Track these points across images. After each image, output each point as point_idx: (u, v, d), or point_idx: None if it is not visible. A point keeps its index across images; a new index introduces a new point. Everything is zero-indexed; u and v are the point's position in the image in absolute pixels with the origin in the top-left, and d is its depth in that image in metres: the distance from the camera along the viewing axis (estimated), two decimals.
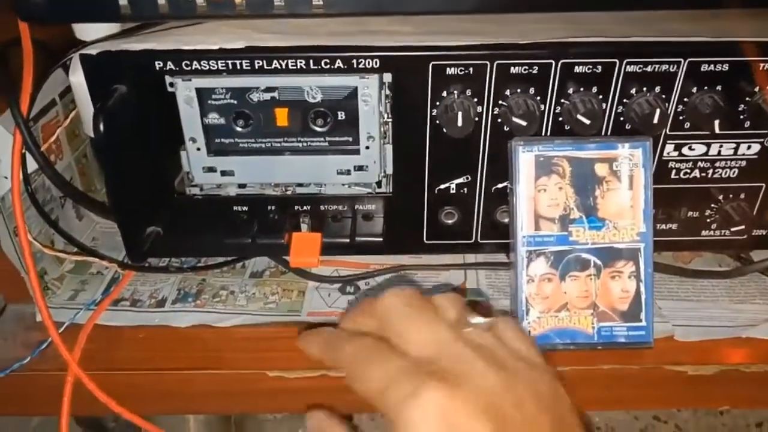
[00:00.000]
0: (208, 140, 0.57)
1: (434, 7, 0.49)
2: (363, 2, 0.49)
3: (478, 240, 0.62)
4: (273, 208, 0.61)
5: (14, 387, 0.58)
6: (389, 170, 0.59)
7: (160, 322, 0.61)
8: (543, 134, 0.55)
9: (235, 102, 0.55)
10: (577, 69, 0.52)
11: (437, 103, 0.54)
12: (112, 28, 0.55)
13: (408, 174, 0.59)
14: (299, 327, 0.57)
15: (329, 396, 0.58)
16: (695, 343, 0.58)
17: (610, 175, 0.54)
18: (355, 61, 0.52)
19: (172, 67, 0.53)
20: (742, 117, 0.55)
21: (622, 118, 0.54)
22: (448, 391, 0.36)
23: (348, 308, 0.56)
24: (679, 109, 0.54)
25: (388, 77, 0.54)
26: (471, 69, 0.52)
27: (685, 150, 0.57)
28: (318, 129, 0.57)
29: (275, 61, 0.52)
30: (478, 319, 0.43)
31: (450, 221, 0.61)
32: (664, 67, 0.52)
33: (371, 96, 0.54)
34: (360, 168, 0.58)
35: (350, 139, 0.57)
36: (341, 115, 0.56)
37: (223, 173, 0.59)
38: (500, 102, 0.54)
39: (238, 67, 0.53)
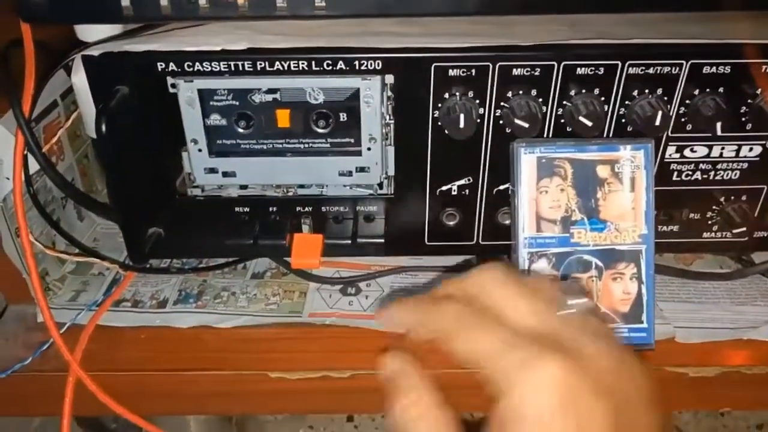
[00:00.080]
0: (209, 141, 0.57)
1: (436, 9, 0.49)
2: (365, 4, 0.49)
3: (480, 242, 0.62)
4: (274, 209, 0.61)
5: (15, 387, 0.58)
6: (391, 172, 0.59)
7: (161, 323, 0.61)
8: (545, 136, 0.55)
9: (237, 103, 0.55)
10: (579, 71, 0.52)
11: (439, 105, 0.54)
12: (114, 29, 0.55)
13: (410, 175, 0.59)
14: (301, 328, 0.58)
15: (330, 397, 0.58)
16: (696, 345, 0.58)
17: (612, 177, 0.54)
18: (357, 62, 0.52)
19: (174, 68, 0.53)
20: (744, 119, 0.55)
21: (624, 120, 0.54)
22: (566, 364, 0.34)
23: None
24: (681, 111, 0.54)
25: (390, 79, 0.54)
26: (473, 71, 0.52)
27: (686, 152, 0.57)
28: (320, 130, 0.57)
29: (277, 63, 0.52)
30: (576, 300, 0.41)
31: (451, 223, 0.61)
32: (666, 69, 0.52)
33: (373, 97, 0.54)
34: (362, 169, 0.58)
35: (352, 140, 0.57)
36: (343, 117, 0.56)
37: (225, 174, 0.59)
38: (502, 104, 0.54)
39: (240, 68, 0.53)
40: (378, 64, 0.52)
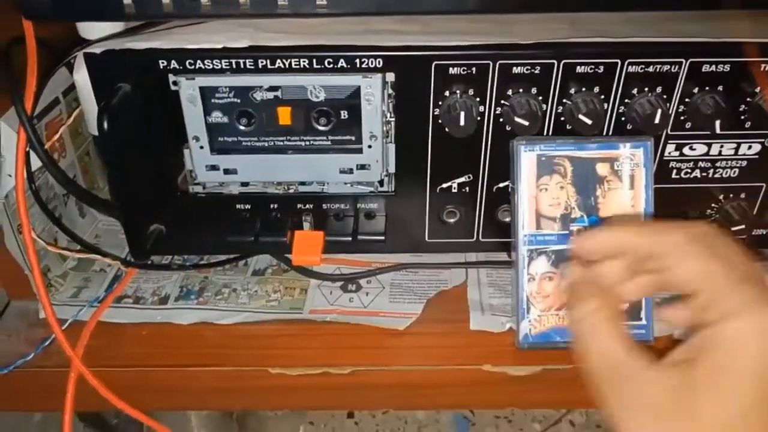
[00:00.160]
0: (211, 139, 0.57)
1: (437, 7, 0.49)
2: (366, 2, 0.49)
3: (480, 239, 0.63)
4: (275, 206, 0.61)
5: (17, 383, 0.58)
6: (391, 169, 0.59)
7: (162, 319, 0.61)
8: (545, 134, 0.56)
9: (239, 101, 0.56)
10: (579, 69, 0.53)
11: (440, 103, 0.54)
12: (116, 26, 0.56)
13: (410, 173, 0.59)
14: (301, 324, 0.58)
15: (331, 393, 0.59)
16: None
17: (612, 175, 0.54)
18: (358, 60, 0.53)
19: (176, 65, 0.53)
20: (743, 117, 0.55)
21: (623, 118, 0.55)
22: None
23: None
24: (680, 110, 0.55)
25: (391, 77, 0.54)
26: (473, 69, 0.53)
27: (686, 150, 0.57)
28: (321, 128, 0.57)
29: (278, 60, 0.53)
30: None
31: (452, 220, 0.61)
32: (666, 67, 0.53)
33: (374, 95, 0.55)
34: (362, 167, 0.59)
35: (353, 138, 0.58)
36: (344, 114, 0.56)
37: (226, 171, 0.59)
38: (502, 102, 0.54)
39: (242, 66, 0.53)
40: (379, 62, 0.53)
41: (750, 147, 0.57)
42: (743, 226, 0.60)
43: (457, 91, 0.54)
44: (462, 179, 0.59)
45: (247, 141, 0.58)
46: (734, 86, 0.53)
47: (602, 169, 0.54)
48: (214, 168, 0.59)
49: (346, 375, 0.57)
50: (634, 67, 0.52)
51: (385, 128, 0.57)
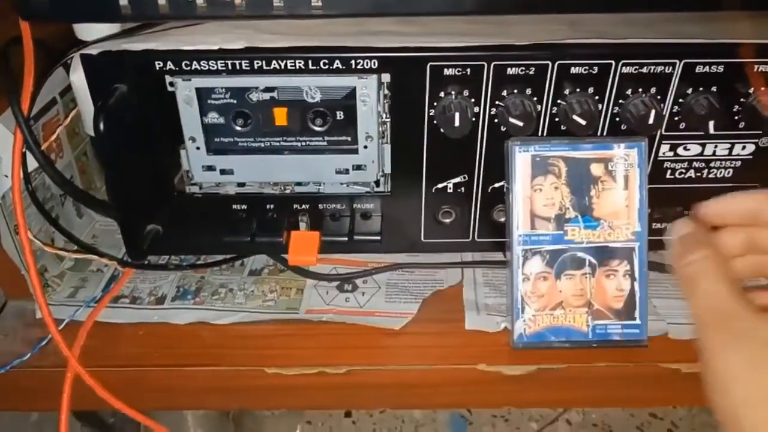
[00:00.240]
0: (207, 139, 0.57)
1: (432, 9, 0.49)
2: (361, 3, 0.49)
3: (476, 239, 0.63)
4: (272, 206, 0.61)
5: (14, 382, 0.58)
6: (387, 169, 0.59)
7: (159, 319, 0.61)
8: (539, 134, 0.56)
9: (235, 101, 0.56)
10: (574, 70, 0.53)
11: (435, 104, 0.55)
12: (112, 27, 0.56)
13: (406, 173, 0.59)
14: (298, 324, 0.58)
15: (327, 393, 0.59)
16: (690, 342, 0.58)
17: (606, 175, 0.55)
18: (353, 61, 0.53)
19: (172, 67, 0.53)
20: (736, 118, 0.55)
21: (617, 119, 0.55)
22: None
23: None
24: (674, 110, 0.55)
25: (386, 77, 0.54)
26: (468, 70, 0.53)
27: (680, 150, 0.58)
28: (317, 128, 0.57)
29: (274, 62, 0.53)
30: None
31: (447, 220, 0.62)
32: (660, 68, 0.53)
33: (369, 96, 0.55)
34: (358, 167, 0.59)
35: (349, 138, 0.58)
36: (340, 115, 0.57)
37: (223, 172, 0.59)
38: (497, 102, 0.54)
39: (238, 67, 0.53)
40: (374, 63, 0.53)
41: (744, 147, 0.57)
42: None
43: (452, 92, 0.54)
44: (457, 179, 0.59)
45: (244, 141, 0.58)
46: (728, 87, 0.53)
47: (596, 169, 0.55)
48: (210, 168, 0.59)
49: (342, 375, 0.57)
50: (628, 68, 0.53)
51: (380, 129, 0.57)
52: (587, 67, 0.53)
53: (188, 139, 0.57)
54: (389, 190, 0.61)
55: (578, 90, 0.54)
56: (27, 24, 0.51)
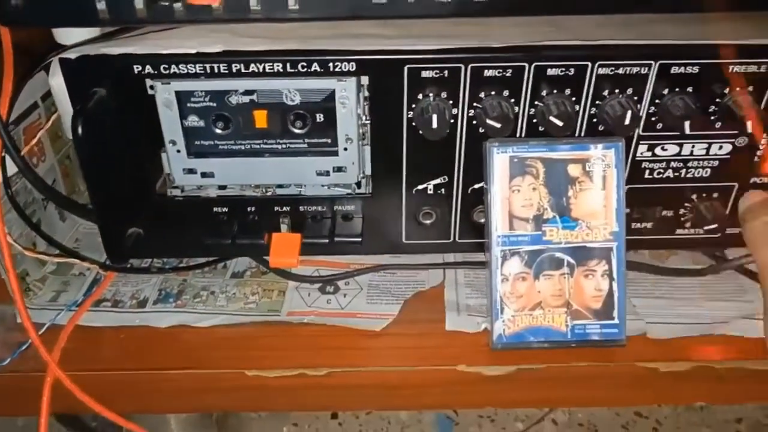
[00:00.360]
0: (187, 142, 0.58)
1: (408, 12, 0.49)
2: (338, 7, 0.49)
3: (457, 239, 0.63)
4: (253, 209, 0.61)
5: None
6: (368, 171, 0.60)
7: (140, 322, 0.61)
8: (518, 136, 0.56)
9: (215, 104, 0.56)
10: (550, 72, 0.53)
11: (413, 106, 0.55)
12: (92, 32, 0.56)
13: (386, 175, 0.59)
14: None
15: (308, 394, 0.59)
16: (668, 341, 0.58)
17: (583, 176, 0.55)
18: (331, 64, 0.53)
19: (151, 70, 0.54)
20: (713, 118, 0.56)
21: (595, 120, 0.55)
22: None
23: None
24: (651, 111, 0.55)
25: (366, 79, 0.55)
26: (446, 72, 0.53)
27: (658, 150, 0.58)
28: (297, 131, 0.58)
29: (252, 65, 0.53)
30: None
31: (428, 221, 0.62)
32: (636, 69, 0.53)
33: (348, 98, 0.55)
34: (339, 169, 0.59)
35: (329, 140, 0.58)
36: (320, 117, 0.57)
37: (204, 175, 0.59)
38: (475, 104, 0.54)
39: (216, 70, 0.53)
40: (352, 66, 0.53)
41: (721, 147, 0.58)
42: (716, 225, 0.61)
43: (430, 94, 0.54)
44: (437, 181, 0.59)
45: (224, 144, 0.58)
46: (703, 87, 0.54)
47: (574, 170, 0.55)
48: (191, 171, 0.59)
49: (322, 376, 0.57)
50: (604, 69, 0.53)
51: (360, 131, 0.57)
52: (564, 69, 0.53)
53: (168, 143, 0.57)
54: (370, 191, 0.61)
55: (555, 91, 0.54)
56: (6, 29, 0.51)
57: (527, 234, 0.55)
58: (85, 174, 0.57)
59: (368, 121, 0.57)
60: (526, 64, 0.53)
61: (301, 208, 0.61)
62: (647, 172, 0.59)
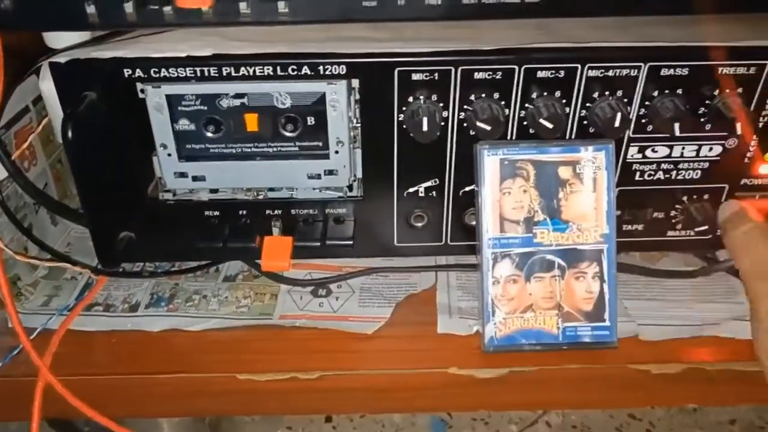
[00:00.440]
0: (179, 146, 0.57)
1: (398, 15, 0.49)
2: (327, 10, 0.49)
3: (448, 242, 0.63)
4: (244, 212, 0.61)
5: None
6: (359, 174, 0.60)
7: (132, 326, 0.61)
8: (508, 138, 0.56)
9: (205, 108, 0.56)
10: (540, 74, 0.53)
11: (404, 108, 0.55)
12: (82, 36, 0.56)
13: (378, 178, 0.59)
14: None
15: (300, 398, 0.59)
16: (660, 342, 0.59)
17: (574, 178, 0.55)
18: (322, 67, 0.53)
19: (141, 74, 0.53)
20: (703, 120, 0.56)
21: (585, 122, 0.55)
22: None
23: None
24: (641, 113, 0.55)
25: (357, 82, 0.55)
26: (436, 75, 0.53)
27: (648, 152, 0.58)
28: (288, 134, 0.58)
29: (243, 68, 0.53)
30: None
31: (420, 224, 0.62)
32: (625, 71, 0.53)
33: (339, 101, 0.55)
34: (330, 172, 0.59)
35: (320, 143, 0.58)
36: (311, 120, 0.57)
37: (195, 178, 0.59)
38: (465, 107, 0.55)
39: (207, 74, 0.53)
40: (342, 68, 0.53)
41: (711, 149, 0.58)
42: (706, 227, 0.61)
43: (421, 97, 0.54)
44: (428, 183, 0.59)
45: (215, 148, 0.58)
46: (693, 89, 0.54)
47: (564, 172, 0.55)
48: (182, 175, 0.59)
49: (314, 380, 0.57)
50: (594, 71, 0.53)
51: (352, 133, 0.57)
52: (553, 71, 0.53)
53: (159, 146, 0.57)
54: (361, 194, 0.61)
55: (545, 93, 0.54)
56: None
57: (518, 236, 0.55)
58: (75, 178, 0.57)
59: (359, 124, 0.57)
60: (516, 67, 0.53)
61: (293, 212, 0.61)
62: (638, 174, 0.59)
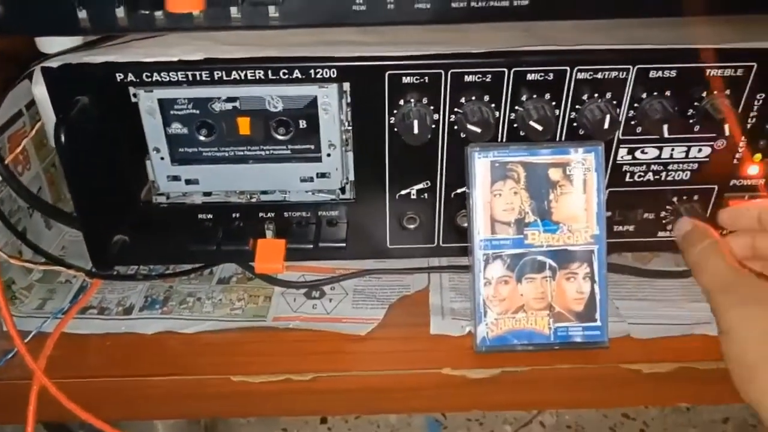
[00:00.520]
0: (171, 150, 0.58)
1: (388, 18, 0.50)
2: (318, 14, 0.50)
3: (441, 244, 0.64)
4: (237, 215, 0.61)
5: None
6: (351, 177, 0.60)
7: (126, 329, 0.61)
8: (499, 140, 0.56)
9: (198, 112, 0.56)
10: (530, 77, 0.54)
11: (395, 111, 0.55)
12: (74, 40, 0.56)
13: (370, 180, 0.60)
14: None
15: (293, 399, 0.59)
16: (650, 342, 0.59)
17: (564, 180, 0.55)
18: (313, 71, 0.54)
19: (134, 78, 0.54)
20: (691, 121, 0.56)
21: (575, 124, 0.56)
22: None
23: None
24: (630, 115, 0.56)
25: (347, 86, 0.55)
26: (426, 78, 0.54)
27: (638, 153, 0.58)
28: (280, 137, 0.58)
29: (234, 72, 0.53)
30: None
31: (412, 226, 0.62)
32: (614, 74, 0.54)
33: (331, 105, 0.55)
34: (323, 175, 0.59)
35: (312, 146, 0.58)
36: (303, 124, 0.57)
37: (188, 182, 0.59)
38: (456, 109, 0.55)
39: (198, 78, 0.54)
40: (333, 72, 0.53)
41: (700, 150, 0.58)
42: None
43: (411, 100, 0.54)
44: (420, 186, 0.60)
45: (208, 151, 0.58)
46: (681, 91, 0.54)
47: (555, 174, 0.55)
48: (175, 179, 0.59)
49: (307, 381, 0.57)
50: (583, 73, 0.54)
51: (344, 136, 0.58)
52: (543, 74, 0.54)
53: (152, 150, 0.58)
54: (354, 197, 0.61)
55: (535, 96, 0.54)
56: None
57: (509, 238, 0.56)
58: (69, 182, 0.57)
59: (351, 127, 0.57)
60: (506, 70, 0.53)
61: (286, 214, 0.62)
62: (628, 175, 0.60)
